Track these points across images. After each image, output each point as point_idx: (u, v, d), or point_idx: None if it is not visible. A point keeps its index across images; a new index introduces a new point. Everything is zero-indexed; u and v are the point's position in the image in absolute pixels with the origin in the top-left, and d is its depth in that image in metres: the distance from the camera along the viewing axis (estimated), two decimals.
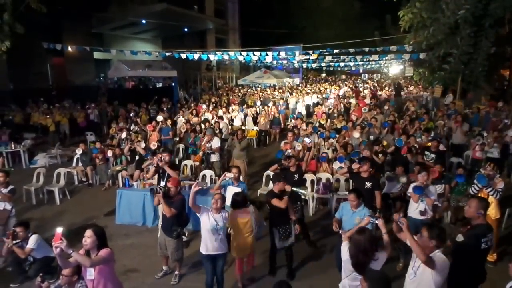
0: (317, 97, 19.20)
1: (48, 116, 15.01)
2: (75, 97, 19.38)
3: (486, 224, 3.96)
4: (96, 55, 25.87)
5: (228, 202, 5.37)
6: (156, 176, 7.02)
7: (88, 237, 3.63)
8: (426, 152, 8.19)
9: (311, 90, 23.66)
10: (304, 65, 30.96)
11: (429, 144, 8.57)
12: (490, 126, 10.86)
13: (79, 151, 10.06)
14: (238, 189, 5.79)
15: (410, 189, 5.61)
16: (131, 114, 15.23)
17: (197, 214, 4.73)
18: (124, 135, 10.96)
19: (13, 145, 11.97)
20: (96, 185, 10.16)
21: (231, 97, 21.36)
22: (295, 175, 6.29)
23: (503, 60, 18.44)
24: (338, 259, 4.64)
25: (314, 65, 29.83)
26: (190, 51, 17.10)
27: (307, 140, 8.29)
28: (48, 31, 21.01)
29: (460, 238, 3.78)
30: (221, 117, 13.10)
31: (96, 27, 26.77)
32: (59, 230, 3.27)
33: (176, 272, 5.61)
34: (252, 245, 5.20)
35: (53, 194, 8.97)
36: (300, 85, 30.02)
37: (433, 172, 6.70)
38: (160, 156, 6.75)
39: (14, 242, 5.26)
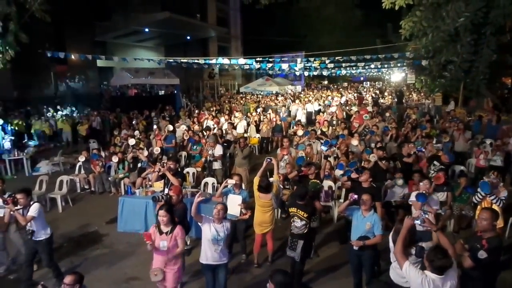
0: (319, 105, 19.25)
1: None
2: (78, 104, 19.49)
3: (498, 235, 3.92)
4: (99, 63, 26.04)
5: (230, 211, 5.36)
6: (158, 184, 7.03)
7: (163, 216, 4.49)
8: (435, 162, 8.07)
9: (313, 97, 23.70)
10: (306, 73, 31.11)
11: (440, 153, 8.51)
12: (500, 134, 10.79)
13: (81, 158, 10.08)
14: (239, 197, 5.84)
15: (413, 197, 5.58)
16: (133, 122, 15.28)
17: (199, 224, 4.72)
18: (132, 141, 10.93)
19: (16, 153, 12.03)
20: (98, 192, 10.17)
21: (233, 104, 21.43)
22: None
23: (505, 68, 18.47)
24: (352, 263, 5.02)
25: (315, 73, 29.99)
26: (192, 59, 17.21)
27: (323, 148, 8.35)
28: (51, 40, 21.21)
29: (483, 255, 3.61)
30: (233, 126, 13.15)
31: (99, 35, 26.98)
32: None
33: None
34: (271, 222, 5.83)
35: (55, 201, 8.98)
36: (302, 92, 30.12)
37: (438, 178, 6.67)
38: (164, 162, 6.78)
39: (15, 208, 5.23)
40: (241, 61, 18.41)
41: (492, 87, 17.16)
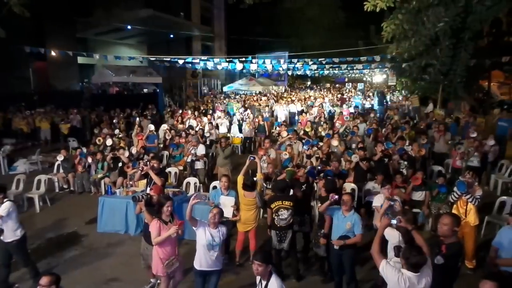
0: (302, 105, 19.38)
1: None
2: (57, 102, 19.05)
3: (459, 241, 4.02)
4: (80, 60, 25.56)
5: (226, 214, 5.41)
6: (141, 183, 6.95)
7: (169, 206, 4.78)
8: (401, 160, 8.36)
9: (296, 98, 23.83)
10: (290, 72, 31.27)
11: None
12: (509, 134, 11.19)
13: (60, 157, 9.86)
14: (232, 199, 5.85)
15: (377, 202, 5.78)
16: (114, 120, 15.05)
17: (193, 228, 4.56)
18: (109, 141, 10.77)
19: None
20: (77, 192, 9.97)
21: (216, 104, 21.35)
22: (303, 186, 6.44)
23: (482, 72, 19.01)
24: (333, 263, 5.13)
25: (299, 73, 30.17)
26: (176, 57, 17.07)
27: (304, 147, 8.44)
28: (31, 35, 20.69)
29: (440, 260, 3.66)
30: (215, 126, 13.18)
31: (80, 32, 26.48)
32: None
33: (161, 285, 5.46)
34: (255, 220, 5.93)
35: (33, 201, 8.77)
36: (285, 93, 30.25)
37: (416, 179, 6.87)
38: (147, 160, 6.71)
39: None
40: (225, 64, 18.37)
41: (469, 90, 17.64)
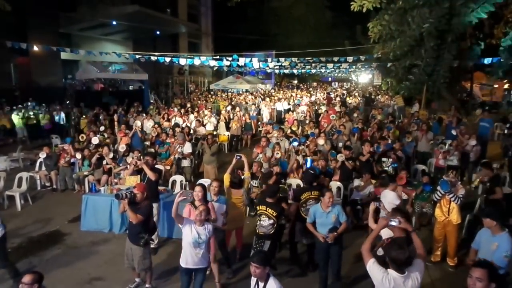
0: (288, 104, 19.44)
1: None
2: (40, 98, 18.64)
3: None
4: (64, 55, 24.99)
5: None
6: (131, 179, 6.86)
7: (199, 191, 5.03)
8: (383, 159, 8.44)
9: (282, 96, 23.88)
10: (277, 71, 31.30)
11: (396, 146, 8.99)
12: None
13: (43, 154, 9.67)
14: (223, 206, 5.56)
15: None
16: (100, 117, 14.82)
17: (179, 225, 4.55)
18: (96, 140, 10.56)
19: None
20: (60, 190, 9.78)
21: (200, 101, 21.24)
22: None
23: (465, 73, 19.41)
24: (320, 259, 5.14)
25: (286, 71, 30.23)
26: (162, 54, 16.90)
27: (294, 144, 8.47)
28: (12, 30, 20.16)
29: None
30: (201, 123, 13.13)
31: (64, 27, 25.88)
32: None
33: (147, 285, 5.37)
34: (242, 218, 6.05)
35: (14, 199, 8.57)
36: (272, 91, 30.31)
37: (401, 178, 6.96)
38: (140, 155, 6.66)
39: None
40: (212, 62, 18.28)
41: (452, 91, 17.99)
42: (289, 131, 12.37)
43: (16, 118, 15.18)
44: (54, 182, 9.67)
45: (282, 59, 19.28)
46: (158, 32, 29.51)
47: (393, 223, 3.61)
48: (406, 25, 12.42)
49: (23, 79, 23.10)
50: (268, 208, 5.15)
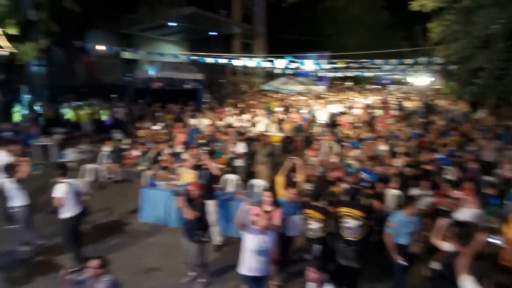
0: (342, 106, 18.96)
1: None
2: (102, 95, 19.85)
3: None
4: (124, 54, 26.44)
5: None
6: (187, 176, 7.05)
7: (268, 196, 5.02)
8: (446, 167, 7.97)
9: (336, 98, 23.33)
10: (331, 74, 30.68)
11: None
12: None
13: (107, 148, 10.27)
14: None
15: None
16: (157, 115, 15.46)
17: (241, 232, 4.51)
18: (152, 135, 10.96)
19: (43, 139, 12.34)
20: (121, 182, 10.31)
21: (254, 102, 21.38)
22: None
23: None
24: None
25: (339, 74, 29.64)
26: (217, 55, 17.29)
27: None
28: (79, 31, 21.65)
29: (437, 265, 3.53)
30: (254, 124, 13.27)
31: (125, 28, 27.39)
32: None
33: (200, 280, 5.53)
34: None
35: None
36: (325, 93, 29.73)
37: (466, 189, 6.50)
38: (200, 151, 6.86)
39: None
40: (266, 64, 18.35)
41: None
42: (342, 134, 12.09)
43: (82, 113, 16.26)
44: (116, 175, 10.23)
45: (335, 60, 18.96)
46: (212, 33, 30.22)
47: (493, 241, 3.37)
48: (471, 25, 11.66)
49: (88, 77, 24.76)
50: (314, 211, 5.09)
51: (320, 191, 5.58)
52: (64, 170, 5.98)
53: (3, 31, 11.67)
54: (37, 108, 15.90)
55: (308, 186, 6.67)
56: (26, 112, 14.86)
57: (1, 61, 13.36)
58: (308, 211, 5.19)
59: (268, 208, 4.85)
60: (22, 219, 6.30)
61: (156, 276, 5.88)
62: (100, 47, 16.36)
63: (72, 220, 5.79)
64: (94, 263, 3.88)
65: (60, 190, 5.60)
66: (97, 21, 24.08)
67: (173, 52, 25.33)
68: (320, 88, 31.71)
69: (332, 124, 14.58)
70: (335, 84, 39.86)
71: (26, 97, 15.61)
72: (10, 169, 6.37)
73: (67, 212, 5.73)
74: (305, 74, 33.02)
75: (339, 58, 20.14)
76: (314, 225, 5.07)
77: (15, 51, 12.51)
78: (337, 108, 17.98)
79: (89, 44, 16.23)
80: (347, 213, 4.93)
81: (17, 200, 6.25)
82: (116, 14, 25.44)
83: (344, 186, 6.44)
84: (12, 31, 12.12)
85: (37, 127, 13.37)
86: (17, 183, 6.25)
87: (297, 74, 31.49)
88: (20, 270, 5.93)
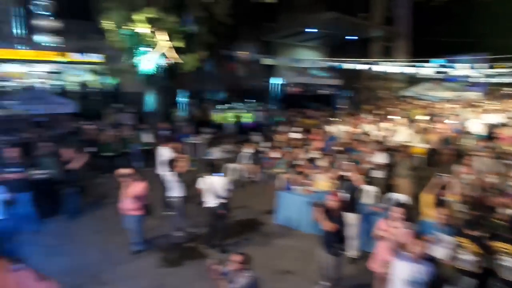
0: (502, 117, 16.17)
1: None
2: (244, 99, 21.36)
3: None
4: (265, 61, 27.91)
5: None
6: (323, 184, 7.02)
7: (397, 212, 4.80)
8: None
9: (494, 107, 19.99)
10: (485, 79, 26.79)
11: None
12: None
13: (249, 150, 10.99)
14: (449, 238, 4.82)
15: None
16: (296, 119, 15.88)
17: (388, 258, 4.23)
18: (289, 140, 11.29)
19: (194, 138, 13.89)
20: (259, 183, 10.85)
21: (393, 109, 20.05)
22: None
23: None
24: None
25: (495, 80, 25.65)
26: (355, 60, 16.84)
27: None
28: (224, 40, 23.78)
29: None
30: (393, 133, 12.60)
31: (265, 35, 28.85)
32: None
33: None
34: None
35: None
36: (481, 101, 25.86)
37: None
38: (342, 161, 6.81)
39: None
40: (410, 69, 17.02)
41: None
42: (501, 150, 10.38)
43: (226, 115, 17.84)
44: (256, 175, 10.87)
45: (494, 64, 16.41)
46: (351, 37, 29.57)
47: None
48: None
49: (231, 82, 27.03)
50: (469, 241, 4.40)
51: (478, 218, 4.83)
52: (212, 167, 6.63)
53: (172, 44, 13.65)
54: (190, 110, 18.07)
55: (461, 208, 5.91)
56: (181, 113, 17.01)
57: (166, 69, 15.56)
58: (461, 239, 4.55)
59: (397, 225, 4.51)
60: (179, 208, 7.20)
61: (288, 279, 6.00)
62: (243, 55, 17.65)
63: (214, 210, 6.52)
64: (238, 258, 4.12)
65: (206, 183, 6.46)
66: (240, 30, 26.09)
67: (311, 58, 25.69)
68: (474, 94, 27.76)
69: (489, 137, 12.66)
70: (493, 90, 34.45)
71: (183, 100, 17.87)
72: (172, 164, 7.37)
73: (210, 203, 6.52)
74: (453, 79, 29.49)
75: (497, 61, 17.42)
76: (467, 256, 4.42)
77: (180, 61, 14.46)
78: (495, 118, 15.53)
79: (234, 52, 17.74)
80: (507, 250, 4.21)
81: (176, 191, 7.20)
82: (257, 23, 27.13)
83: (509, 212, 5.49)
84: (178, 44, 14.07)
85: (190, 127, 15.12)
86: (177, 176, 7.17)
87: (445, 79, 28.38)
88: (173, 252, 6.76)
